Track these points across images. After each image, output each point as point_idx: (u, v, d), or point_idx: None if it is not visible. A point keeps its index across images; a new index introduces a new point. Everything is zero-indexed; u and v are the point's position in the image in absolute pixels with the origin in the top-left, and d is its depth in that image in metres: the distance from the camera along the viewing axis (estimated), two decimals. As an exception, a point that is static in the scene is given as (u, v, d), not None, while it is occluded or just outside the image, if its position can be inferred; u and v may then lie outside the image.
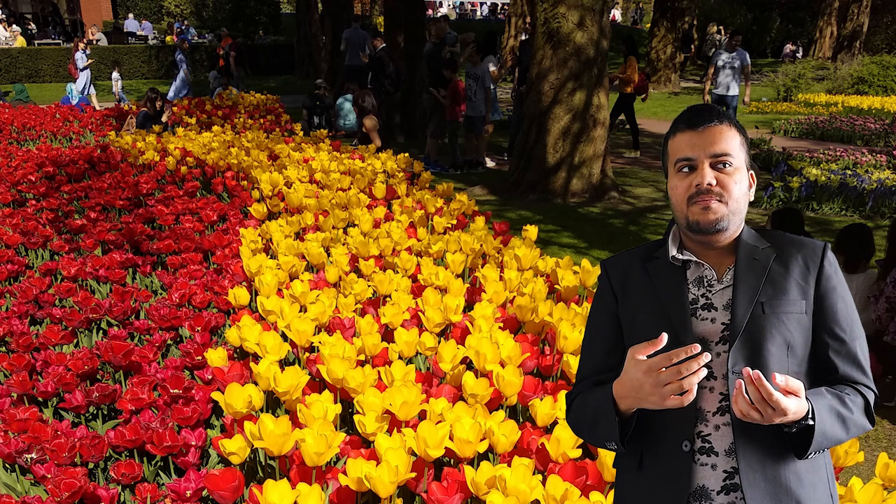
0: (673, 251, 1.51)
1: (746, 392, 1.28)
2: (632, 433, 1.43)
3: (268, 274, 4.20)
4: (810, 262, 1.46)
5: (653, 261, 1.54)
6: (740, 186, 1.45)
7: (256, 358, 3.44)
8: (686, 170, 1.46)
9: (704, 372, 1.27)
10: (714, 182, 1.43)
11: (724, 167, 1.44)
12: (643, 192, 8.75)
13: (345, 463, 2.51)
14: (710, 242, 1.48)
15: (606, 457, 2.45)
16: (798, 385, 1.30)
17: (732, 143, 1.45)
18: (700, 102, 1.52)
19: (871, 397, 1.44)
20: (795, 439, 1.36)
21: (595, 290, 1.65)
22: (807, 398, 1.33)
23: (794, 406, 1.28)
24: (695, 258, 1.50)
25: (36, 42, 24.42)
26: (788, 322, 1.42)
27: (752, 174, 1.50)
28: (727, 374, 1.40)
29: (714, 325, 1.44)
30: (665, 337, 1.30)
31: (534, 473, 2.43)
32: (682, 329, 1.43)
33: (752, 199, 1.51)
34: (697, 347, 1.26)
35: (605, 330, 1.56)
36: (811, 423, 1.32)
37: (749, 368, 1.28)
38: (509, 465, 2.41)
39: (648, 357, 1.31)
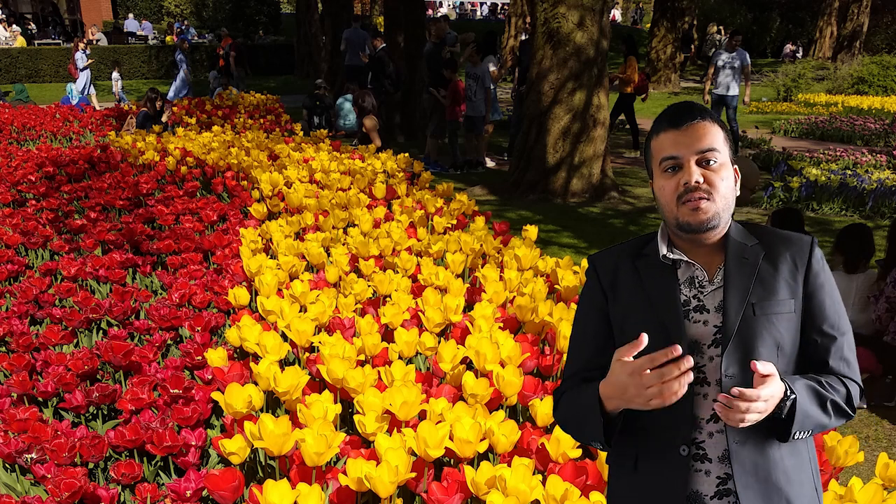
0: (663, 250, 1.50)
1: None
2: (626, 434, 1.44)
3: (268, 274, 4.20)
4: (798, 259, 1.46)
5: (642, 258, 1.52)
6: (727, 182, 1.44)
7: (256, 358, 3.44)
8: (671, 169, 1.45)
9: (691, 377, 1.28)
10: (701, 179, 1.42)
11: (710, 164, 1.43)
12: (643, 192, 8.75)
13: (345, 463, 2.51)
14: (701, 240, 1.47)
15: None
16: (769, 368, 1.31)
17: (717, 139, 1.44)
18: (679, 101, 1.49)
19: (856, 389, 1.45)
20: (779, 424, 1.37)
21: (583, 286, 1.63)
22: (782, 379, 1.35)
23: (773, 386, 1.31)
24: (685, 258, 1.48)
25: (36, 42, 24.42)
26: (778, 323, 1.42)
27: (735, 168, 1.49)
28: (720, 380, 1.40)
29: (706, 327, 1.44)
30: (645, 337, 1.30)
31: (534, 473, 2.43)
32: (675, 332, 1.43)
33: (738, 193, 1.50)
34: (678, 350, 1.26)
35: (594, 327, 1.55)
36: (793, 396, 1.34)
37: (720, 401, 1.30)
38: (509, 465, 2.41)
39: (634, 358, 1.32)
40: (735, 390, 1.29)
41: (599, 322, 1.54)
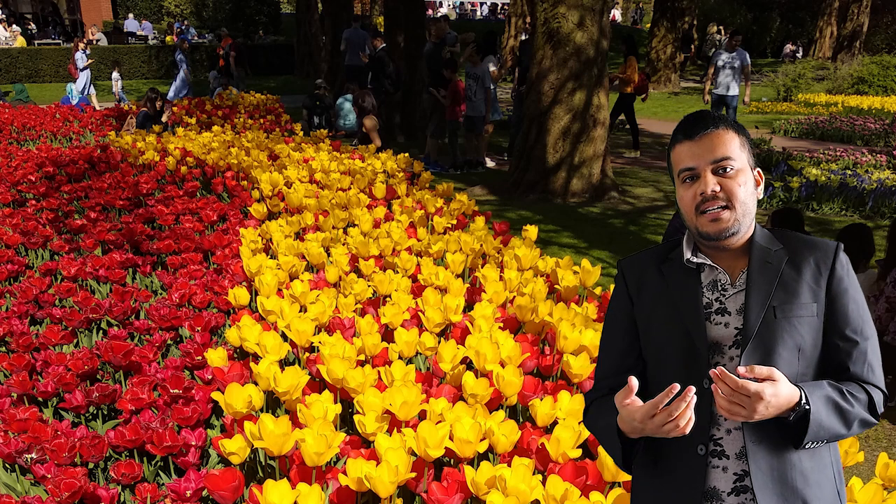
0: (687, 254, 1.52)
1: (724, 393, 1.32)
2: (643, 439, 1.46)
3: (268, 274, 4.20)
4: (822, 264, 1.47)
5: (667, 262, 1.55)
6: (745, 188, 1.46)
7: (256, 358, 3.44)
8: (689, 179, 1.48)
9: (695, 400, 1.30)
10: (718, 188, 1.44)
11: (726, 171, 1.45)
12: (643, 192, 8.74)
13: (345, 463, 2.51)
14: (723, 246, 1.49)
15: (606, 457, 2.45)
16: (768, 370, 1.31)
17: (731, 146, 1.46)
18: (698, 108, 1.52)
19: (879, 396, 1.45)
20: (793, 430, 1.38)
21: (612, 290, 1.67)
22: (799, 387, 1.35)
23: (770, 389, 1.30)
24: (709, 262, 1.50)
25: (36, 42, 24.40)
26: (800, 326, 1.43)
27: (758, 171, 1.51)
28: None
29: (727, 329, 1.46)
30: (635, 382, 1.34)
31: (534, 473, 2.43)
32: (696, 334, 1.45)
33: (760, 196, 1.51)
34: (677, 387, 1.29)
35: (621, 331, 1.58)
36: (807, 407, 1.34)
37: (714, 370, 1.31)
38: (509, 465, 2.41)
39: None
40: (719, 369, 1.30)
41: (626, 327, 1.57)
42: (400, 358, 3.41)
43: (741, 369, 1.31)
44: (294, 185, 6.52)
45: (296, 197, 6.01)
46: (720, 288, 1.49)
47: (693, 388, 1.29)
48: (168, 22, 28.17)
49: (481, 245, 4.95)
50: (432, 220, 5.56)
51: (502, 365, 3.15)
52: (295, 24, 22.78)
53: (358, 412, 2.82)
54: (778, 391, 1.31)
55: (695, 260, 1.51)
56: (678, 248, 1.56)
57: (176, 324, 3.92)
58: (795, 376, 1.40)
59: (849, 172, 8.56)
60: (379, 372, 3.13)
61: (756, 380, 1.31)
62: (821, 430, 1.36)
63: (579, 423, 2.63)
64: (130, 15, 28.15)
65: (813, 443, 1.38)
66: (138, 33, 25.65)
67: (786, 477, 1.41)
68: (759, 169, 1.52)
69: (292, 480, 2.55)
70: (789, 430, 1.38)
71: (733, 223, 1.44)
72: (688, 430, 1.31)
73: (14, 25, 24.98)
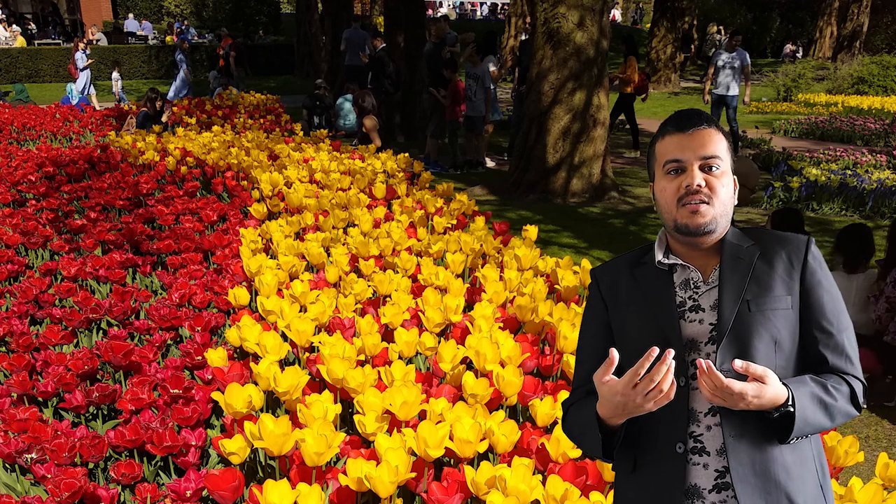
0: (659, 256, 1.53)
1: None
2: (624, 437, 1.46)
3: (268, 274, 4.20)
4: (794, 257, 1.48)
5: (640, 266, 1.56)
6: (727, 189, 1.48)
7: (256, 358, 3.44)
8: (674, 172, 1.48)
9: (674, 364, 1.30)
10: (703, 183, 1.45)
11: (713, 170, 1.47)
12: (643, 192, 8.74)
13: (345, 463, 2.51)
14: (698, 244, 1.50)
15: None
16: (762, 371, 1.32)
17: (720, 147, 1.48)
18: (689, 107, 1.54)
19: (859, 386, 1.46)
20: (777, 424, 1.38)
21: (586, 299, 1.67)
22: (787, 385, 1.36)
23: (754, 390, 1.31)
24: (681, 262, 1.51)
25: (36, 42, 24.41)
26: (775, 318, 1.43)
27: (734, 179, 1.53)
28: None
29: (702, 326, 1.46)
30: (615, 354, 1.34)
31: (534, 473, 2.43)
32: (671, 332, 1.46)
33: (736, 202, 1.53)
34: (656, 351, 1.29)
35: (596, 338, 1.59)
36: (791, 409, 1.35)
37: (702, 360, 1.31)
38: (509, 465, 2.41)
39: (616, 371, 1.35)
40: (706, 363, 1.30)
41: (601, 333, 1.58)
42: (400, 358, 3.41)
43: (737, 363, 1.32)
44: (294, 185, 6.52)
45: (296, 197, 6.01)
46: (693, 286, 1.50)
47: (672, 351, 1.29)
48: (168, 22, 28.17)
49: (481, 245, 4.95)
50: (432, 220, 5.56)
51: (502, 365, 3.15)
52: (295, 24, 22.79)
53: (358, 412, 2.82)
54: (763, 392, 1.32)
55: (666, 261, 1.52)
56: (650, 252, 1.57)
57: (176, 324, 3.92)
58: (774, 370, 1.40)
59: (849, 172, 8.56)
60: (379, 372, 3.13)
61: (745, 378, 1.32)
62: (806, 426, 1.38)
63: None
64: (130, 15, 28.15)
65: (797, 439, 1.40)
66: (138, 33, 25.65)
67: (768, 471, 1.41)
68: (735, 177, 1.53)
69: (292, 480, 2.55)
70: (771, 424, 1.39)
71: (712, 220, 1.45)
72: (672, 396, 1.31)
73: (14, 25, 24.98)
